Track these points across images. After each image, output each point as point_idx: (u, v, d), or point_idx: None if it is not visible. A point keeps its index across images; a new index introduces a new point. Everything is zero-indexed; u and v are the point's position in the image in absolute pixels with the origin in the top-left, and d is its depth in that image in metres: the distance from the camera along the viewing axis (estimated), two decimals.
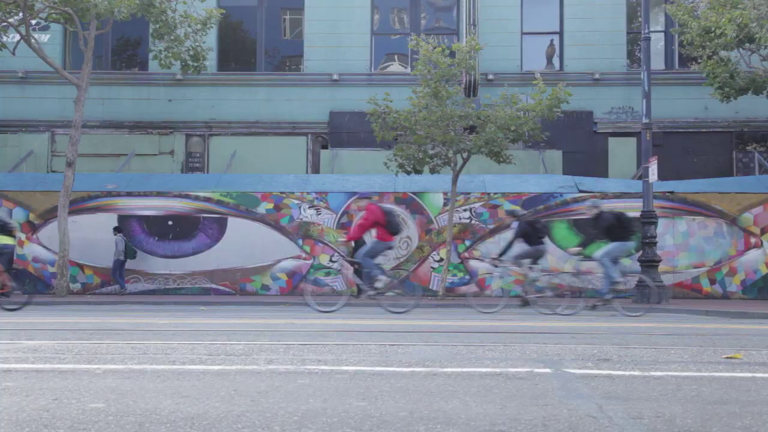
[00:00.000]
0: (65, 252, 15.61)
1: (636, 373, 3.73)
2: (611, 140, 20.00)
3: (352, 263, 13.18)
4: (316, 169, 19.99)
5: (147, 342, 5.26)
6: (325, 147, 20.23)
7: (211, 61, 19.18)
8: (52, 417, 2.51)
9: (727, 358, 4.51)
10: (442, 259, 16.38)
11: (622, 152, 19.87)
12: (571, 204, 16.63)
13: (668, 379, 3.53)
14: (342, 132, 20.03)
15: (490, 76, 19.60)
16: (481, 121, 15.39)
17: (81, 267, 16.86)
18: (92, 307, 12.46)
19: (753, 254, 16.36)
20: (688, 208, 16.56)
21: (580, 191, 16.78)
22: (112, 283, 16.67)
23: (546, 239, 12.23)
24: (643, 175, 14.11)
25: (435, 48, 15.30)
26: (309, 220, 16.86)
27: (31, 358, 4.21)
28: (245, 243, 16.83)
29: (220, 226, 16.95)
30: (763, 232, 16.41)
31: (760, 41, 14.53)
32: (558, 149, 19.51)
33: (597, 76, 19.91)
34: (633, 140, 19.55)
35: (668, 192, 16.55)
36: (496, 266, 12.83)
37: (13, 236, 13.07)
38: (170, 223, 16.98)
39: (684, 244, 16.48)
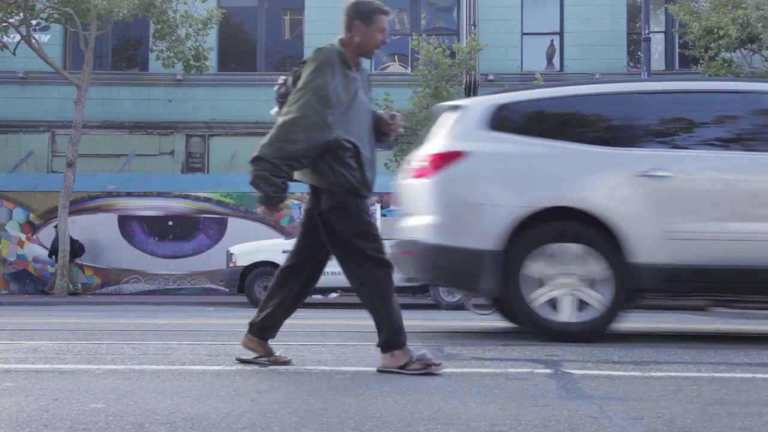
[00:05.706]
0: (65, 252, 15.61)
1: (636, 373, 3.73)
2: None
3: None
4: None
5: (147, 342, 5.26)
6: None
7: (211, 61, 19.17)
8: (52, 417, 2.51)
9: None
10: None
11: None
12: None
13: (668, 379, 3.53)
14: None
15: (491, 77, 19.60)
16: None
17: (81, 267, 16.86)
18: (92, 307, 12.46)
19: None
20: None
21: None
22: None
23: None
24: None
25: (436, 48, 15.32)
26: None
27: (31, 358, 4.21)
28: None
29: (221, 226, 16.95)
30: None
31: (763, 42, 14.52)
32: None
33: (597, 76, 19.86)
34: None
35: None
36: None
37: None
38: (170, 223, 16.98)
39: None
